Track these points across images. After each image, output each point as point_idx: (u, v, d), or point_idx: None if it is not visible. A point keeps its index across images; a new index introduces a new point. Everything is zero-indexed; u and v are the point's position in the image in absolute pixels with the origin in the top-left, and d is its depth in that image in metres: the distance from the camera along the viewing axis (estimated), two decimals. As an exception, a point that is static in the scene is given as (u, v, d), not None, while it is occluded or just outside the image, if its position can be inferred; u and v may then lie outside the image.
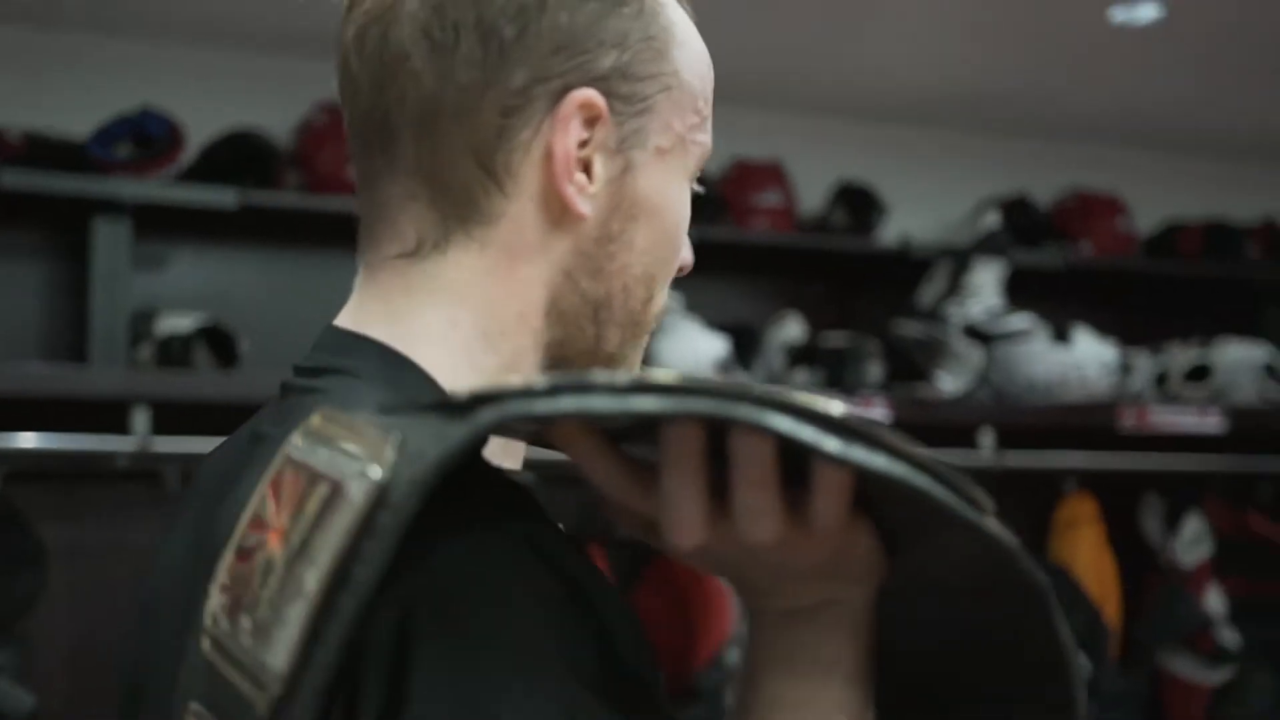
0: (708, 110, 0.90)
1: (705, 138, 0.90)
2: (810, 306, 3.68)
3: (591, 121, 0.84)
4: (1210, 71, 3.70)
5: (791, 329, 3.53)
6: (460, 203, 0.84)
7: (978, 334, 3.56)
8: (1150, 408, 3.71)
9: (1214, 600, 3.90)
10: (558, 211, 0.84)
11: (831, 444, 0.67)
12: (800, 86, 3.82)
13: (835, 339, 3.52)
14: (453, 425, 0.67)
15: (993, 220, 3.73)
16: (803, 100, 3.91)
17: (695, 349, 3.21)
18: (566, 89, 0.83)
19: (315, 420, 0.71)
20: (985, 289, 3.62)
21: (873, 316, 3.77)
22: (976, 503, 0.71)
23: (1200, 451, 3.90)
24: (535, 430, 0.76)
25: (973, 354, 3.55)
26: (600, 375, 0.67)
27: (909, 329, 3.61)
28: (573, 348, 0.88)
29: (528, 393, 0.66)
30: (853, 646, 0.79)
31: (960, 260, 3.63)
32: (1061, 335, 3.64)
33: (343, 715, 0.69)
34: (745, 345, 3.47)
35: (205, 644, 0.73)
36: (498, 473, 0.77)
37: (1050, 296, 4.04)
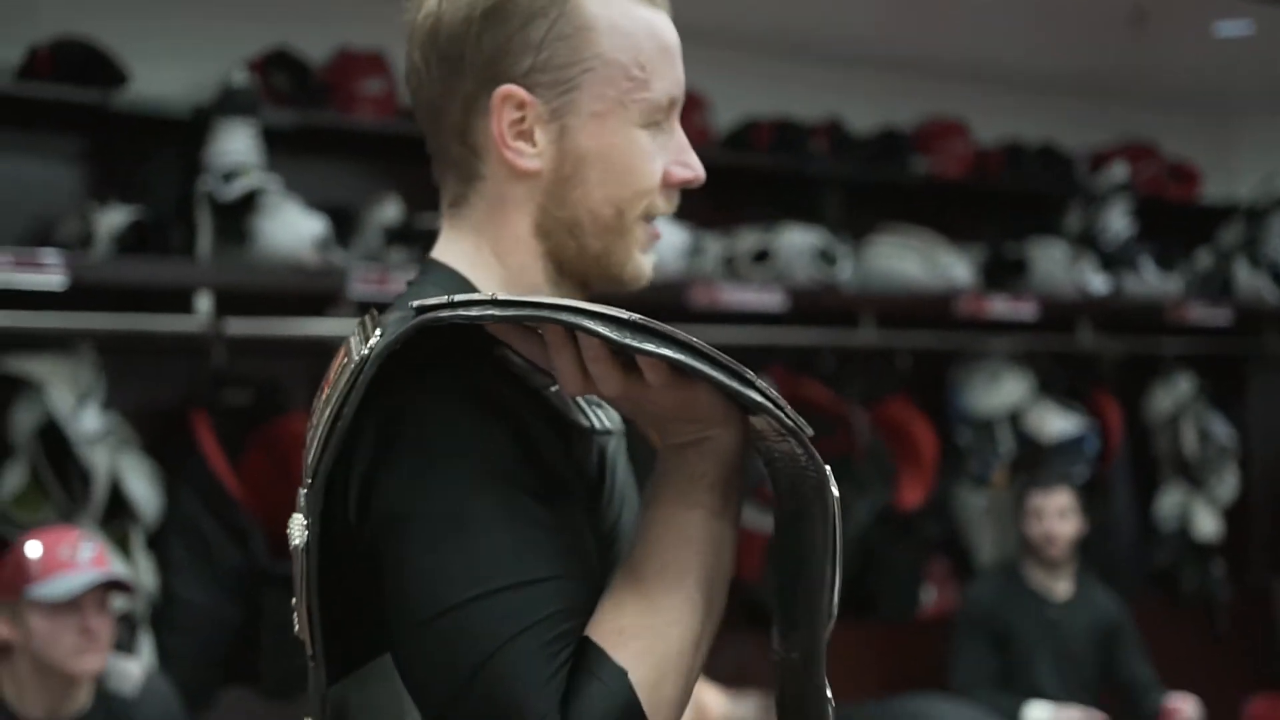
0: (645, 74, 1.22)
1: (649, 94, 1.23)
2: (411, 189, 3.93)
3: (521, 105, 1.21)
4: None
5: (389, 210, 3.78)
6: (463, 170, 1.25)
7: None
8: (719, 286, 4.14)
9: (773, 457, 4.40)
10: (518, 168, 1.22)
11: (608, 331, 1.03)
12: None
13: (431, 220, 3.79)
14: (407, 324, 1.07)
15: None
16: None
17: (295, 228, 3.43)
18: (496, 86, 1.21)
19: (360, 320, 1.18)
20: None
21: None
22: (740, 376, 1.04)
23: (765, 325, 4.39)
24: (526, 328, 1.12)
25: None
26: (499, 296, 1.05)
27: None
28: (564, 254, 1.25)
29: (452, 305, 1.05)
30: (716, 465, 1.12)
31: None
32: (640, 220, 4.00)
33: (345, 493, 1.13)
34: (344, 225, 3.71)
35: None
36: (487, 349, 1.15)
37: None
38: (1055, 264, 4.98)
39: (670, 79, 1.25)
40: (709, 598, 1.11)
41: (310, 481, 1.12)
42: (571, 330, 1.06)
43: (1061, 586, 4.35)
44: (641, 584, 1.09)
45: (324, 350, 3.91)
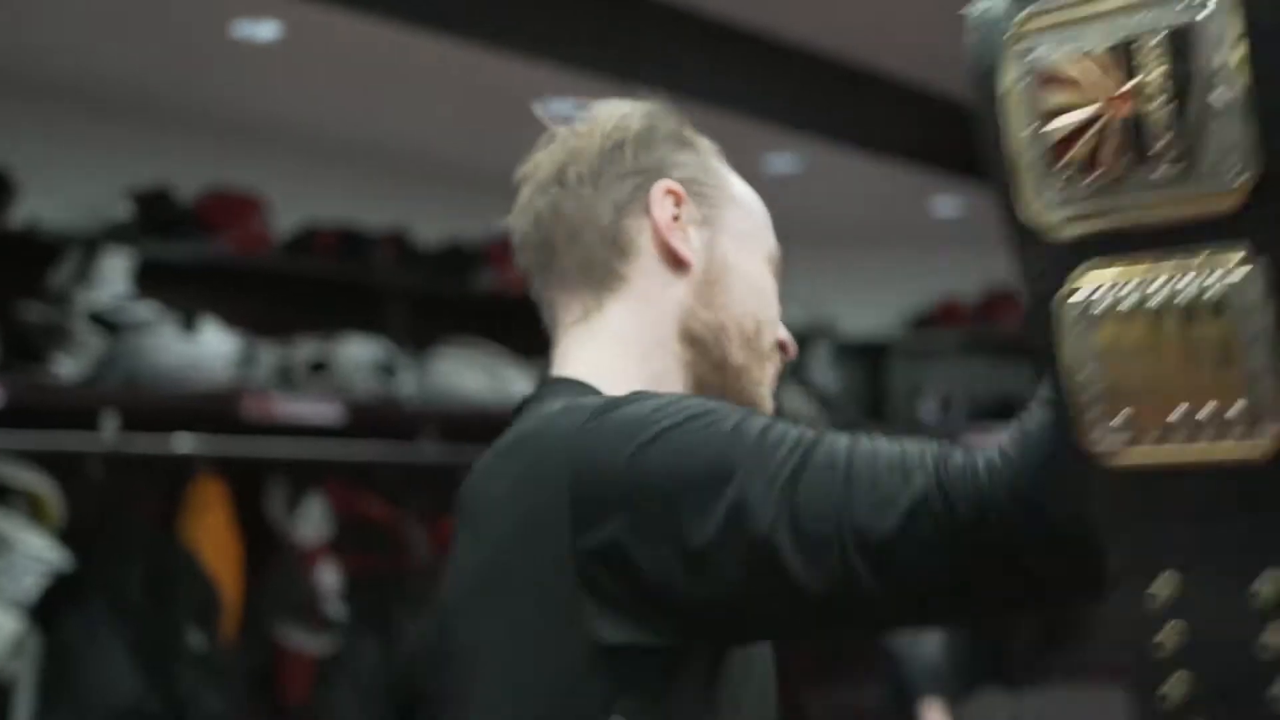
0: (764, 227, 1.29)
1: (770, 242, 1.29)
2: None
3: (678, 201, 1.24)
4: (334, 87, 4.01)
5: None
6: (603, 275, 1.24)
7: (103, 321, 3.64)
8: (273, 397, 3.96)
9: (327, 576, 4.23)
10: (670, 262, 1.23)
11: None
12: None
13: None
14: None
15: (125, 209, 3.82)
16: (-65, 70, 3.80)
17: None
18: (655, 183, 1.25)
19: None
20: (114, 277, 3.69)
21: (-1, 297, 3.73)
22: None
23: (322, 439, 4.22)
24: None
25: (95, 340, 3.61)
26: None
27: (32, 312, 3.61)
28: (705, 363, 1.24)
29: None
30: None
31: (90, 247, 3.68)
32: (189, 325, 3.79)
33: None
34: None
35: None
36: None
37: (186, 288, 4.18)
38: (616, 383, 5.05)
39: (773, 244, 1.31)
40: None
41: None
42: None
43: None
44: None
45: None
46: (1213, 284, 0.75)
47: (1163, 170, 0.77)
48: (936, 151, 5.19)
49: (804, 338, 5.96)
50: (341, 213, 4.72)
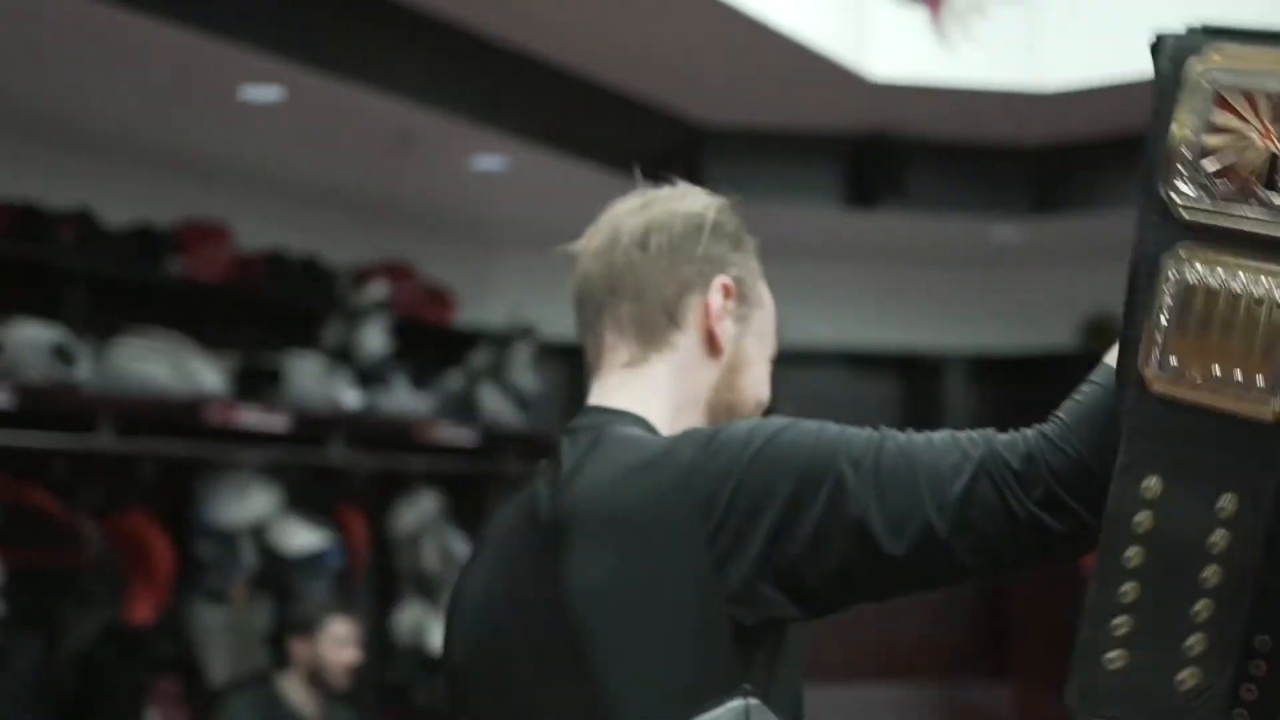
0: (775, 339, 1.54)
1: (775, 349, 1.54)
2: None
3: (729, 296, 1.48)
4: (14, 53, 3.80)
5: None
6: (655, 336, 1.47)
7: None
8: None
9: (-14, 571, 4.00)
10: (709, 345, 1.47)
11: None
12: None
13: None
14: None
15: None
16: None
17: None
18: (715, 275, 1.48)
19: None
20: None
21: None
22: None
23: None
24: None
25: None
26: None
27: None
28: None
29: None
30: None
31: None
32: None
33: None
34: None
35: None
36: None
37: None
38: (309, 377, 4.94)
39: (775, 345, 1.56)
40: None
41: None
42: None
43: (313, 706, 4.27)
44: None
45: None
46: (1276, 292, 1.04)
47: (1274, 200, 1.05)
48: (640, 157, 5.25)
49: (505, 339, 5.96)
50: (21, 189, 4.47)
